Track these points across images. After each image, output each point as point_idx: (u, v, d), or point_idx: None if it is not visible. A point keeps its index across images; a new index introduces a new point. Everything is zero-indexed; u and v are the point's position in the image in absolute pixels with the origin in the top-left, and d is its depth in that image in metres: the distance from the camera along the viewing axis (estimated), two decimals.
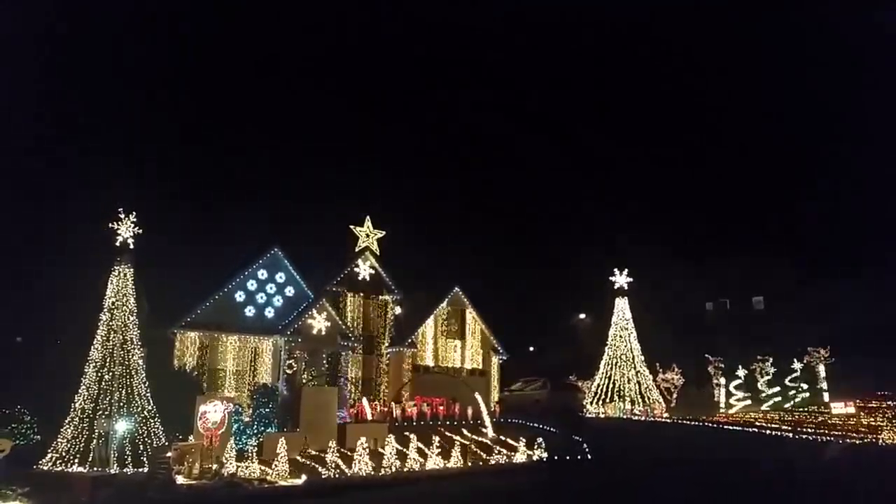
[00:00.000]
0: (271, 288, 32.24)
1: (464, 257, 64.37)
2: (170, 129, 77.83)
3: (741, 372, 40.46)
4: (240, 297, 31.41)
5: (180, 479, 20.14)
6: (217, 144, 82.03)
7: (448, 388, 33.69)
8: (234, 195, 72.32)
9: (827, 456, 27.13)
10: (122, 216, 24.60)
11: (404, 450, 24.04)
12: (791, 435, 30.85)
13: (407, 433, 26.12)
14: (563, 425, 30.28)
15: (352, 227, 35.10)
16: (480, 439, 26.87)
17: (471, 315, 38.95)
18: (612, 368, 41.06)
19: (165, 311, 30.39)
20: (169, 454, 20.64)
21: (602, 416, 38.37)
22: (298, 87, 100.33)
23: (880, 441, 29.50)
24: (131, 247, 24.56)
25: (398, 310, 36.75)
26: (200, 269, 34.33)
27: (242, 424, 24.69)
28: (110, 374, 22.91)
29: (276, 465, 21.13)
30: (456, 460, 24.48)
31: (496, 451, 25.85)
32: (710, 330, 53.11)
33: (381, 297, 35.36)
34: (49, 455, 21.74)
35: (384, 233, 35.56)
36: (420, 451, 24.36)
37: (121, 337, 23.49)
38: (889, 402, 33.45)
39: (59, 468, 21.24)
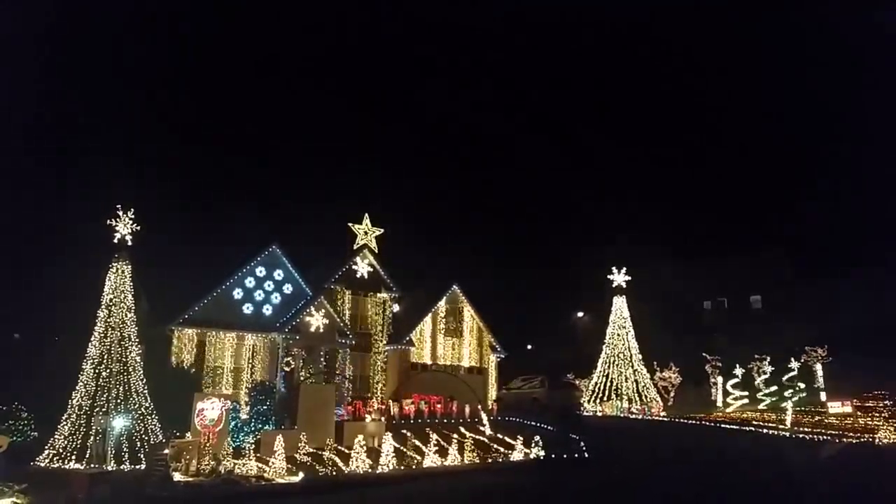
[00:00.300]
0: (269, 285, 32.22)
1: (462, 255, 64.56)
2: (169, 128, 77.85)
3: (738, 371, 40.49)
4: (238, 294, 31.39)
5: (177, 476, 20.14)
6: (216, 144, 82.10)
7: (446, 386, 33.70)
8: (232, 193, 72.43)
9: (823, 455, 27.18)
10: (121, 213, 24.55)
11: (402, 448, 24.06)
12: (788, 434, 30.90)
13: (404, 431, 26.16)
14: (560, 423, 30.33)
15: (350, 224, 35.12)
16: (478, 437, 26.88)
17: (469, 313, 38.99)
18: (609, 367, 41.09)
19: (163, 309, 30.38)
20: (166, 451, 20.62)
21: (599, 414, 38.42)
22: (298, 87, 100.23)
23: (877, 441, 29.53)
24: (129, 244, 24.51)
25: (396, 307, 36.78)
26: (199, 267, 34.33)
27: (240, 422, 24.71)
28: (108, 371, 22.88)
29: (273, 463, 21.14)
30: (453, 458, 24.51)
31: (493, 449, 25.87)
32: (707, 329, 53.11)
33: (379, 294, 35.37)
34: (46, 452, 21.73)
35: (382, 230, 35.58)
36: (417, 449, 24.39)
37: (118, 334, 23.46)
38: (886, 402, 33.49)
39: (57, 465, 21.23)
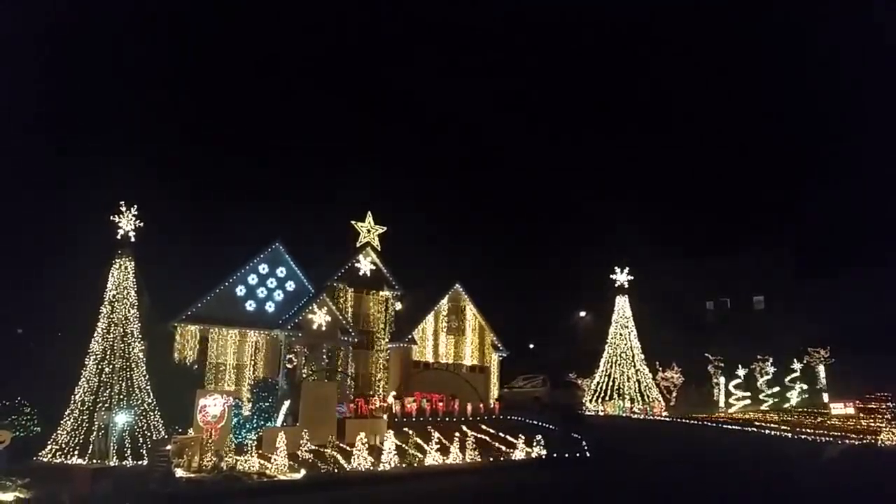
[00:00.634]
0: (272, 282, 32.24)
1: (465, 254, 64.65)
2: (171, 127, 77.93)
3: (741, 371, 40.47)
4: (241, 291, 31.42)
5: (180, 472, 20.16)
6: (218, 143, 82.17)
7: (448, 385, 33.70)
8: (235, 191, 72.53)
9: (826, 456, 27.15)
10: (124, 209, 24.58)
11: (403, 445, 24.06)
12: (790, 435, 30.87)
13: (406, 429, 26.15)
14: (562, 423, 30.31)
15: (353, 222, 35.13)
16: (480, 436, 26.87)
17: (471, 311, 38.98)
18: (611, 366, 41.10)
19: (166, 305, 30.42)
20: (168, 447, 20.63)
21: (601, 413, 38.41)
22: (298, 86, 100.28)
23: (879, 442, 29.49)
24: (132, 240, 24.53)
25: (398, 305, 36.78)
26: (202, 264, 34.45)
27: (242, 418, 24.73)
28: (110, 366, 22.91)
29: (275, 460, 21.16)
30: (455, 456, 24.50)
31: (495, 448, 25.86)
32: (710, 329, 53.13)
33: (381, 292, 35.39)
34: (49, 447, 21.76)
35: (385, 228, 35.59)
36: (419, 447, 24.38)
37: (121, 330, 23.49)
38: (889, 404, 33.46)
39: (59, 460, 21.26)
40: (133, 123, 75.51)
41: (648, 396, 39.77)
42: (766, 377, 40.45)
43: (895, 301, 44.19)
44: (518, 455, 25.99)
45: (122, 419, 21.75)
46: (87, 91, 77.19)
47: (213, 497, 18.82)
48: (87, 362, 23.07)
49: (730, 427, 33.16)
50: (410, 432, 25.65)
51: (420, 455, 24.06)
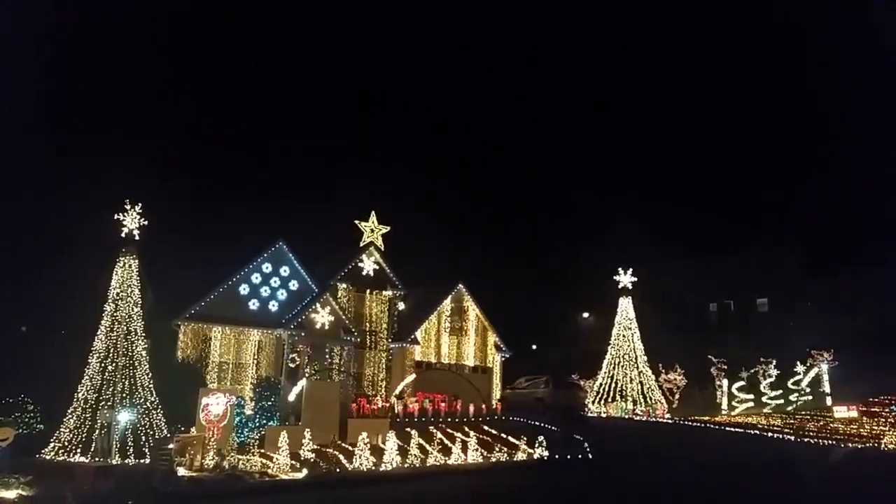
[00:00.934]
0: (275, 281, 32.27)
1: (467, 254, 64.56)
2: (171, 127, 78.00)
3: (744, 374, 40.38)
4: (244, 290, 31.44)
5: (182, 471, 20.19)
6: (219, 142, 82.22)
7: (450, 385, 33.70)
8: (238, 190, 72.59)
9: (829, 460, 27.06)
10: (128, 207, 24.62)
11: (405, 446, 24.05)
12: (793, 438, 30.78)
13: (408, 429, 26.15)
14: (564, 424, 30.29)
15: (357, 222, 35.15)
16: (482, 437, 26.86)
17: (474, 312, 38.97)
18: (614, 368, 41.04)
19: (169, 304, 30.45)
20: (171, 446, 20.65)
21: (604, 415, 38.36)
22: (298, 87, 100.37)
23: (883, 446, 29.37)
24: (136, 238, 24.57)
25: (401, 305, 36.80)
26: (205, 263, 34.44)
27: (244, 417, 24.76)
28: (114, 364, 22.96)
29: (277, 459, 21.17)
30: (457, 457, 24.49)
31: (497, 449, 25.85)
32: (713, 331, 53.05)
33: (384, 292, 35.40)
34: (52, 444, 21.82)
35: (389, 228, 35.60)
36: (421, 448, 24.37)
37: (125, 328, 23.54)
38: (892, 407, 33.33)
39: (62, 458, 21.32)
40: (133, 123, 75.62)
41: (651, 398, 39.71)
42: (769, 380, 40.33)
43: None
44: (520, 456, 25.97)
45: (124, 417, 21.80)
46: (87, 91, 77.29)
47: (214, 496, 18.84)
48: (90, 360, 23.12)
49: (732, 430, 33.08)
50: (413, 433, 25.64)
51: (422, 455, 24.05)
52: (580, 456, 26.81)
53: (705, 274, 56.11)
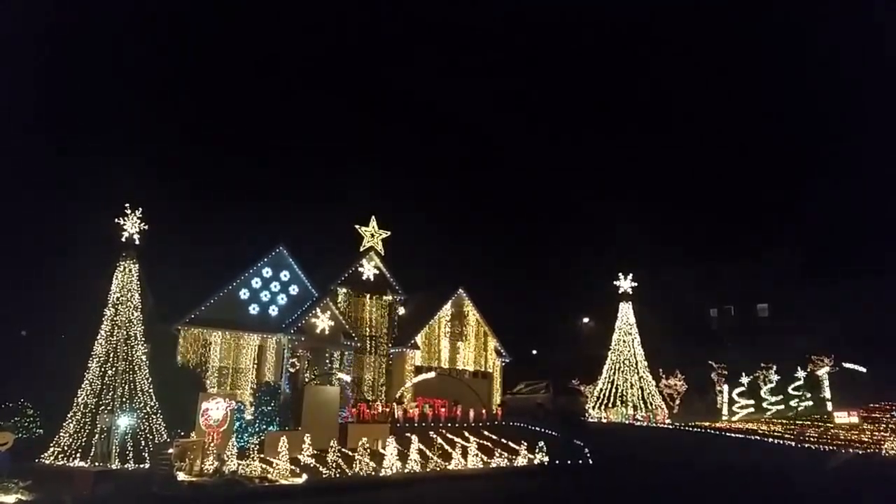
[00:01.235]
0: (276, 286, 32.25)
1: (468, 257, 64.49)
2: (171, 128, 78.07)
3: (744, 379, 40.34)
4: (244, 294, 31.43)
5: (181, 476, 20.15)
6: (219, 143, 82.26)
7: (450, 390, 33.65)
8: (237, 194, 72.58)
9: (830, 466, 27.02)
10: (128, 211, 24.61)
11: (405, 451, 24.00)
12: (793, 444, 30.73)
13: (408, 434, 26.08)
14: (565, 429, 30.22)
15: (357, 226, 35.16)
16: (482, 442, 26.81)
17: (474, 317, 38.95)
18: (615, 373, 40.96)
19: (169, 308, 30.44)
20: (170, 450, 20.62)
21: (604, 420, 38.29)
22: (298, 87, 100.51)
23: (883, 452, 29.33)
24: (137, 242, 24.55)
25: (401, 310, 36.79)
26: (205, 267, 34.41)
27: (244, 422, 24.71)
28: (113, 369, 22.90)
29: (277, 464, 21.13)
30: (457, 462, 24.44)
31: (497, 454, 25.79)
32: (713, 336, 53.01)
33: (384, 297, 35.40)
34: (51, 449, 21.75)
35: (389, 233, 35.61)
36: (421, 453, 24.31)
37: (125, 332, 23.49)
38: (893, 413, 33.29)
39: (61, 462, 21.25)
40: (133, 124, 75.73)
41: (651, 404, 39.62)
42: (769, 385, 40.29)
43: None
44: (520, 461, 25.91)
45: (124, 422, 21.75)
46: (87, 91, 77.39)
47: (214, 501, 18.81)
48: (89, 364, 23.06)
49: (733, 435, 33.02)
50: (413, 438, 25.59)
51: (422, 460, 24.00)
52: (580, 461, 26.75)
53: (706, 279, 56.12)
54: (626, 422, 37.87)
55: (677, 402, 41.45)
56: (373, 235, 35.22)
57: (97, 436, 21.57)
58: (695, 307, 57.14)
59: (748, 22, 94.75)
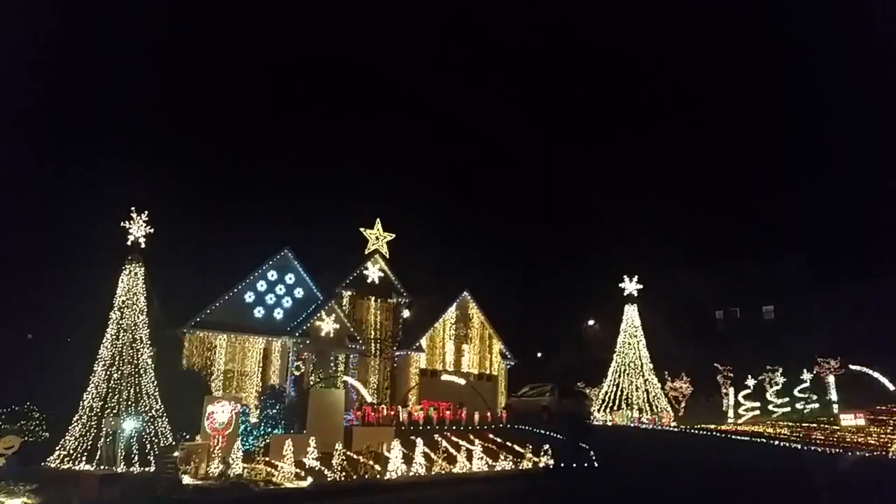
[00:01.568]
0: (281, 289, 32.30)
1: (473, 260, 64.51)
2: (173, 132, 78.31)
3: (750, 381, 40.18)
4: (249, 297, 31.48)
5: (187, 479, 20.14)
6: (221, 146, 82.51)
7: (455, 393, 33.62)
8: (243, 197, 72.74)
9: (837, 469, 26.89)
10: (134, 215, 24.67)
11: (410, 454, 23.97)
12: (800, 446, 30.59)
13: (413, 437, 26.05)
14: (570, 432, 30.12)
15: (362, 229, 35.19)
16: (487, 445, 26.77)
17: (479, 319, 38.93)
18: (620, 376, 40.84)
19: (175, 311, 30.51)
20: (176, 454, 20.63)
21: (609, 423, 38.18)
22: (298, 87, 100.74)
23: (890, 454, 29.18)
24: (142, 246, 24.60)
25: (406, 313, 36.79)
26: (210, 270, 34.49)
27: (249, 425, 24.73)
28: (119, 372, 22.97)
29: (282, 467, 21.13)
30: (462, 465, 24.40)
31: (503, 457, 25.74)
32: (719, 339, 52.83)
33: (389, 300, 35.42)
34: (57, 452, 21.83)
35: (394, 236, 35.63)
36: (426, 456, 24.27)
37: (130, 336, 23.55)
38: None
39: (67, 466, 21.34)
40: (139, 127, 76.01)
41: (657, 406, 39.48)
42: (775, 387, 40.13)
43: None
44: (525, 464, 25.86)
45: (129, 425, 21.80)
46: (93, 94, 77.75)
47: None
48: (95, 368, 23.13)
49: (739, 438, 32.89)
50: (417, 441, 25.56)
51: (427, 463, 23.97)
52: (586, 464, 26.67)
53: (711, 281, 55.94)
54: (632, 424, 37.75)
55: (683, 404, 41.31)
56: (378, 238, 35.24)
57: (103, 439, 21.63)
58: (700, 309, 56.96)
59: (760, 28, 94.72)
